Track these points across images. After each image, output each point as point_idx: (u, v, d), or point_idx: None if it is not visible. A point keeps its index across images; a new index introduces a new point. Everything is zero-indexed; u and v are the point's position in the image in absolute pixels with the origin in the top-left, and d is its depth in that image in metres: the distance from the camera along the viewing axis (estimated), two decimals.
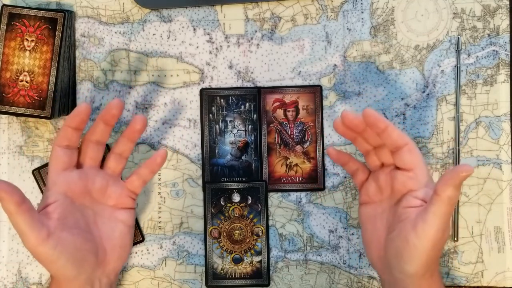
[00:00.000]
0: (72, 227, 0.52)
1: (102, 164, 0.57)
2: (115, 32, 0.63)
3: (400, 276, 0.51)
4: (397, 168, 0.52)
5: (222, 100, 0.63)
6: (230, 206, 0.62)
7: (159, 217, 0.63)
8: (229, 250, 0.62)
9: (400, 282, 0.51)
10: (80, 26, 0.63)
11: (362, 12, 0.62)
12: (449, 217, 0.47)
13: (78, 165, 0.55)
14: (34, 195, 0.62)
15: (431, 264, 0.50)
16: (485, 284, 0.62)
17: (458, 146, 0.61)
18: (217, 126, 0.63)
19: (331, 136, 0.62)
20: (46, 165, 0.62)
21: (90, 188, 0.54)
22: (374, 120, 0.50)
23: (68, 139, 0.52)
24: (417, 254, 0.48)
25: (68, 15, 0.60)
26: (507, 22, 0.62)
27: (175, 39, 0.63)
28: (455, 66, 0.62)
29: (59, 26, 0.59)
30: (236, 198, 0.62)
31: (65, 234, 0.50)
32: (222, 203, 0.62)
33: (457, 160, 0.61)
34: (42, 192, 0.62)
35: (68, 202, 0.52)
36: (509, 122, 0.62)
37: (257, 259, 0.62)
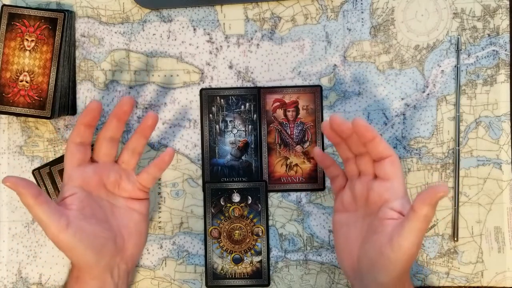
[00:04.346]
0: (90, 217, 0.54)
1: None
2: (115, 32, 0.63)
3: (372, 285, 0.52)
4: (375, 178, 0.53)
5: (222, 100, 0.63)
6: (230, 206, 0.62)
7: (159, 217, 0.63)
8: (229, 250, 0.62)
9: None
10: (80, 26, 0.63)
11: (362, 12, 0.62)
12: (423, 233, 0.48)
13: (93, 160, 0.57)
14: None
15: (404, 274, 0.51)
16: (485, 284, 0.62)
17: (458, 146, 0.61)
18: (217, 126, 0.63)
19: None
20: (46, 165, 0.62)
21: (105, 182, 0.56)
22: (364, 129, 0.50)
23: (81, 136, 0.55)
24: (391, 266, 0.49)
25: (68, 15, 0.60)
26: (507, 22, 0.62)
27: (175, 39, 0.63)
28: (455, 66, 0.62)
29: (59, 26, 0.59)
30: (236, 198, 0.62)
31: (84, 223, 0.53)
32: (222, 203, 0.62)
33: (457, 160, 0.61)
34: None
35: (85, 195, 0.55)
36: (509, 122, 0.62)
37: (257, 259, 0.62)
